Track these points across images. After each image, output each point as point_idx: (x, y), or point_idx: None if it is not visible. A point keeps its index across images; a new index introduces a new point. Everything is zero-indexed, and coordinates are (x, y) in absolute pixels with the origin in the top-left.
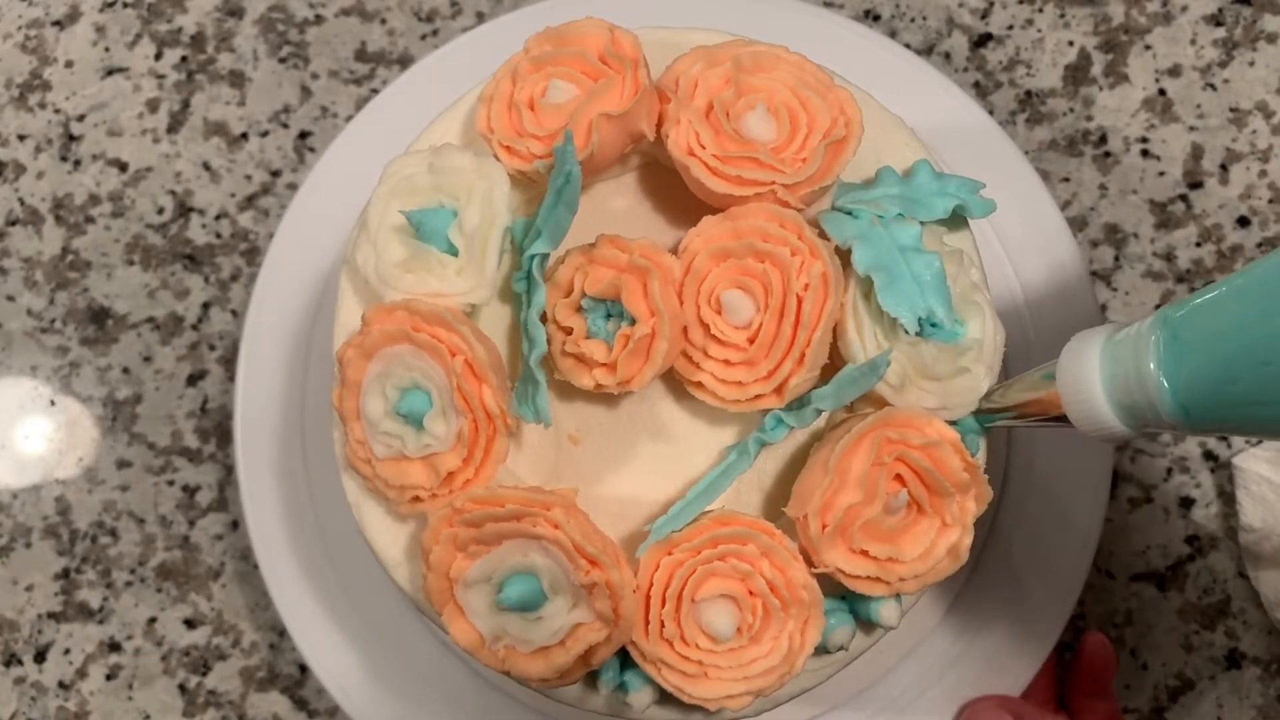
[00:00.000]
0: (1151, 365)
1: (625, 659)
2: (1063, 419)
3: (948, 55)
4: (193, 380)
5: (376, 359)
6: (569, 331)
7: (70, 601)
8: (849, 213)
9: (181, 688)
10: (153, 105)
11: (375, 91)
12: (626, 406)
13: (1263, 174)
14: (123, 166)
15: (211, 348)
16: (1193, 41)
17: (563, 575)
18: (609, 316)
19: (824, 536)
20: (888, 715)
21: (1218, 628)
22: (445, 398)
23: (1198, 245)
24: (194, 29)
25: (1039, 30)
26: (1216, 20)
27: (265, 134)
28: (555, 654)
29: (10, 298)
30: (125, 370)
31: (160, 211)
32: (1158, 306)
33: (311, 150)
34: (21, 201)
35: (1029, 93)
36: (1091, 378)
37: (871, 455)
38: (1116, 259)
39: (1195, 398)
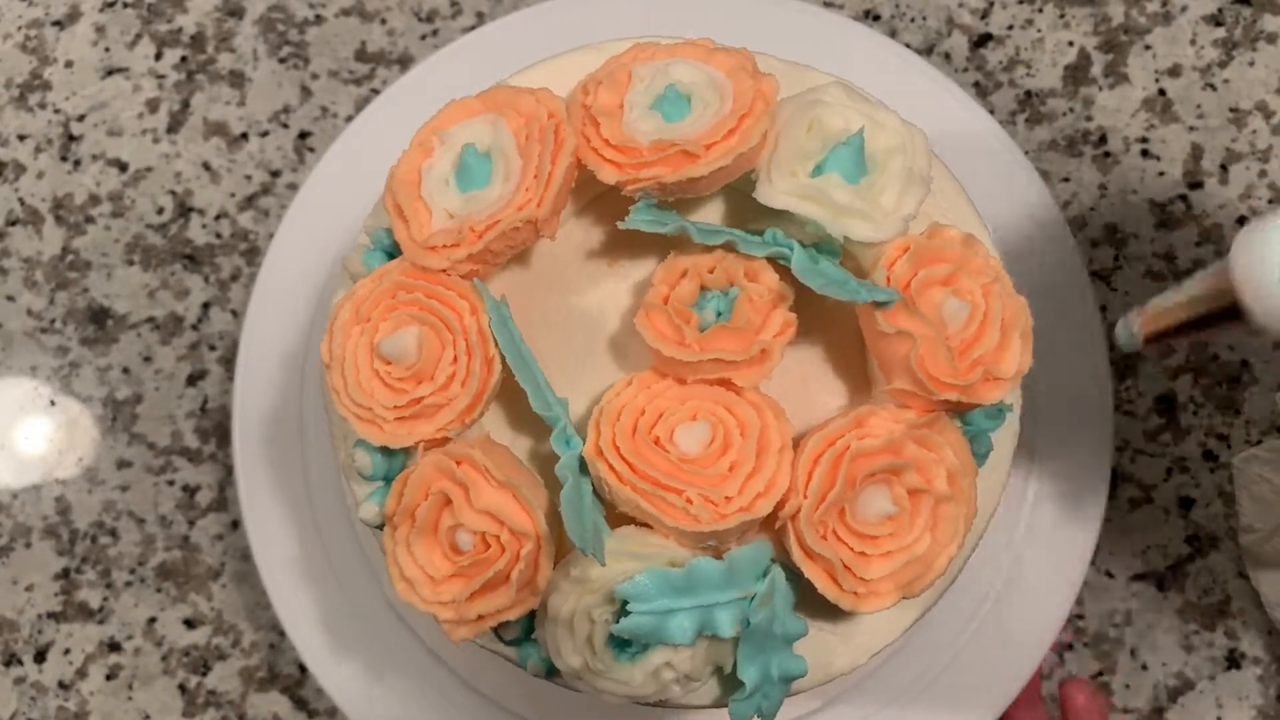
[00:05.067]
0: None
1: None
2: (1231, 316)
3: (948, 55)
4: (193, 380)
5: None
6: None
7: (70, 601)
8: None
9: (181, 688)
10: (153, 105)
11: (375, 92)
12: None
13: (1263, 174)
14: (123, 166)
15: (211, 348)
16: (1193, 41)
17: None
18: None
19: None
20: (888, 713)
21: (1218, 628)
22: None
23: (1198, 245)
24: (194, 29)
25: (1039, 30)
26: (1216, 20)
27: (265, 134)
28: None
29: (10, 298)
30: (125, 370)
31: (160, 211)
32: None
33: (311, 150)
34: (21, 201)
35: (1029, 93)
36: (1274, 258)
37: None
38: (1116, 259)
39: None
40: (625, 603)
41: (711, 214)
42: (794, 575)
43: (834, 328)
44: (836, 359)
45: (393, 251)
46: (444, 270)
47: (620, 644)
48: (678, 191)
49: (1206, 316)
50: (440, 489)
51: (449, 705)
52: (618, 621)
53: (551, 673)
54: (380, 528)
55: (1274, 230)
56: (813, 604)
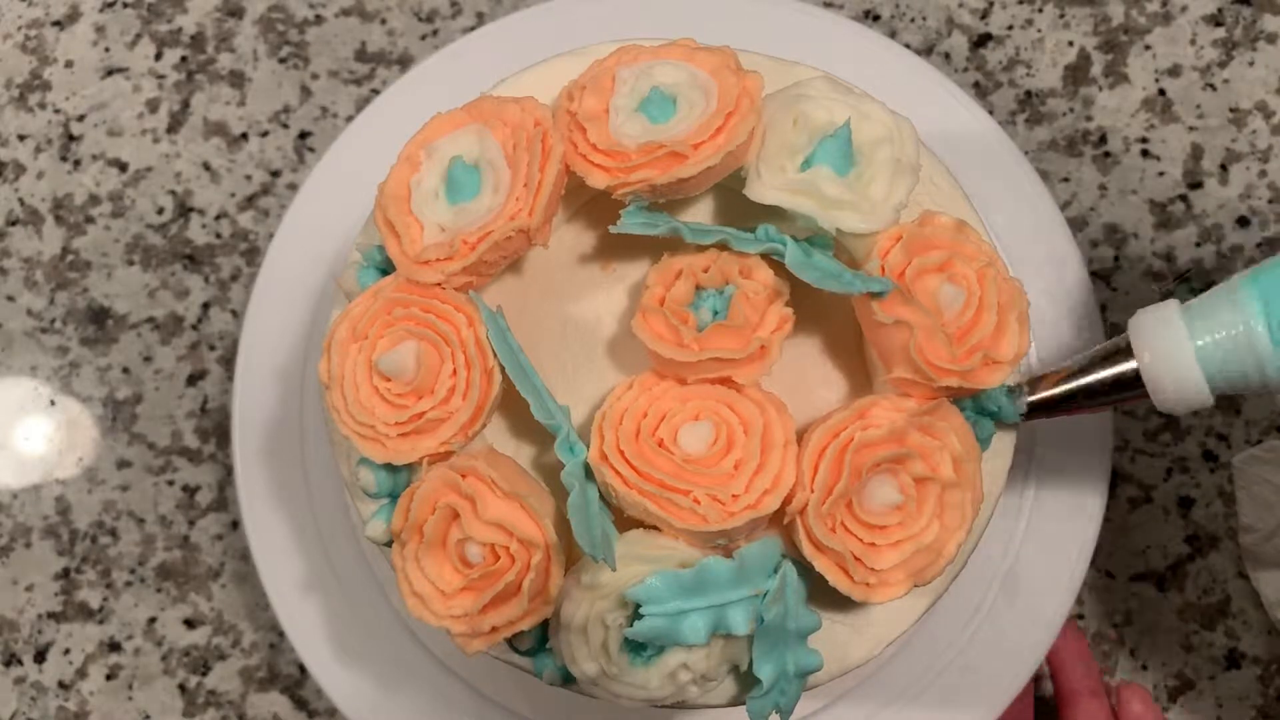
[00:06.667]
0: (1260, 326)
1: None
2: (1127, 394)
3: (947, 55)
4: (193, 380)
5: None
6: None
7: (70, 601)
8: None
9: (181, 688)
10: (153, 105)
11: (375, 92)
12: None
13: (1263, 174)
14: (123, 166)
15: (211, 348)
16: (1192, 41)
17: None
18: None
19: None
20: (888, 713)
21: (1218, 628)
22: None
23: (1198, 245)
24: (194, 29)
25: (1039, 30)
26: (1216, 20)
27: (265, 134)
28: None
29: (10, 298)
30: (125, 370)
31: (160, 211)
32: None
33: (311, 150)
34: (21, 201)
35: (1029, 93)
36: (1183, 345)
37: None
38: (1116, 259)
39: None
40: (638, 606)
41: (702, 213)
42: (805, 569)
43: (830, 320)
44: (835, 352)
45: (386, 268)
46: (439, 284)
47: (635, 648)
48: (668, 193)
49: (1094, 389)
50: (447, 503)
51: (446, 708)
52: (631, 625)
53: (568, 681)
54: (388, 545)
55: (1173, 315)
56: (825, 597)
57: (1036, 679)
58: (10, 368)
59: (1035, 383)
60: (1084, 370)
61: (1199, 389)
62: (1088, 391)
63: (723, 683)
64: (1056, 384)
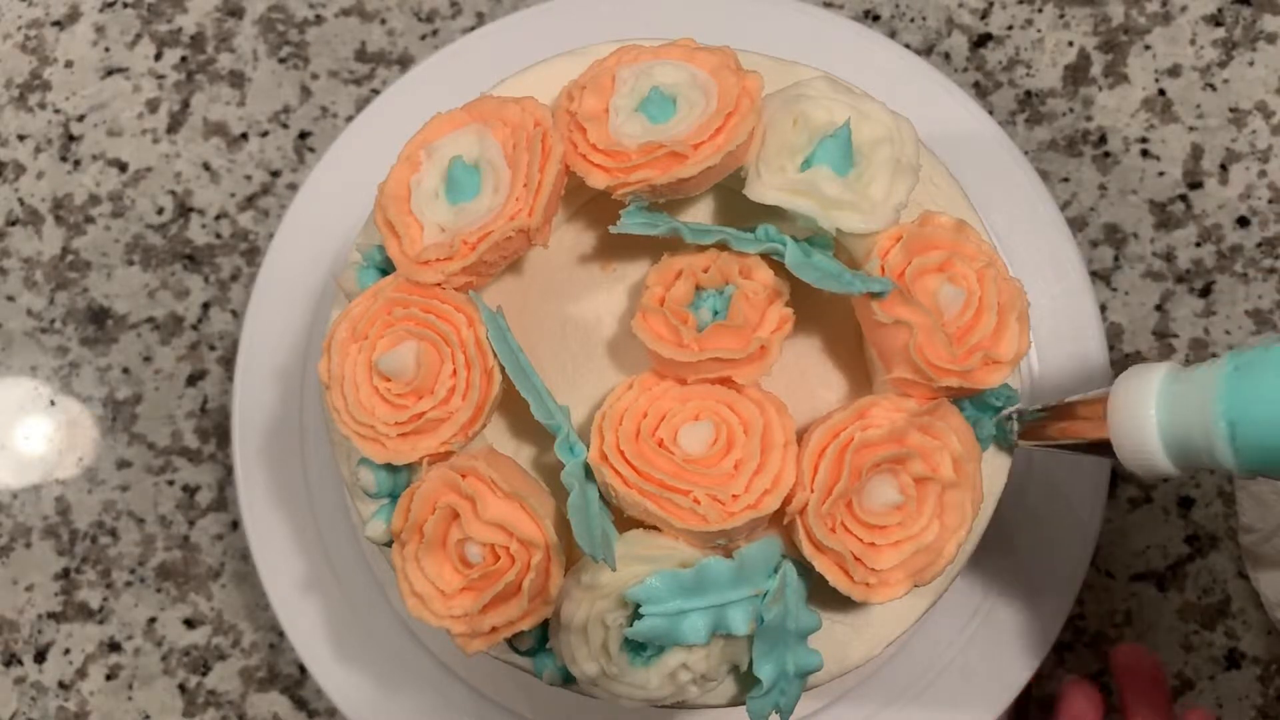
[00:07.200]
0: (1217, 412)
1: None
2: (1103, 448)
3: (947, 55)
4: (193, 380)
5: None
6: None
7: (70, 601)
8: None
9: (181, 688)
10: (153, 105)
11: (375, 92)
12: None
13: (1262, 174)
14: (123, 166)
15: (211, 348)
16: (1192, 41)
17: None
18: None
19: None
20: (888, 713)
21: (1218, 628)
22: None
23: (1198, 245)
24: (194, 29)
25: (1039, 30)
26: (1216, 20)
27: (265, 134)
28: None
29: (10, 298)
30: (125, 370)
31: (160, 211)
32: (1158, 307)
33: (311, 150)
34: (21, 201)
35: (1029, 93)
36: (1147, 414)
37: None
38: (1116, 259)
39: (1257, 448)
40: (638, 606)
41: (702, 213)
42: (805, 569)
43: (830, 320)
44: (834, 352)
45: (386, 268)
46: (438, 284)
47: (635, 648)
48: (668, 193)
49: (1077, 445)
50: (447, 503)
51: (446, 708)
52: (631, 625)
53: (568, 681)
54: (388, 545)
55: (1150, 384)
56: (825, 597)
57: (1036, 679)
58: (10, 368)
59: (1025, 420)
60: (1065, 425)
61: (1158, 459)
62: (1067, 445)
63: (723, 683)
64: (1040, 431)
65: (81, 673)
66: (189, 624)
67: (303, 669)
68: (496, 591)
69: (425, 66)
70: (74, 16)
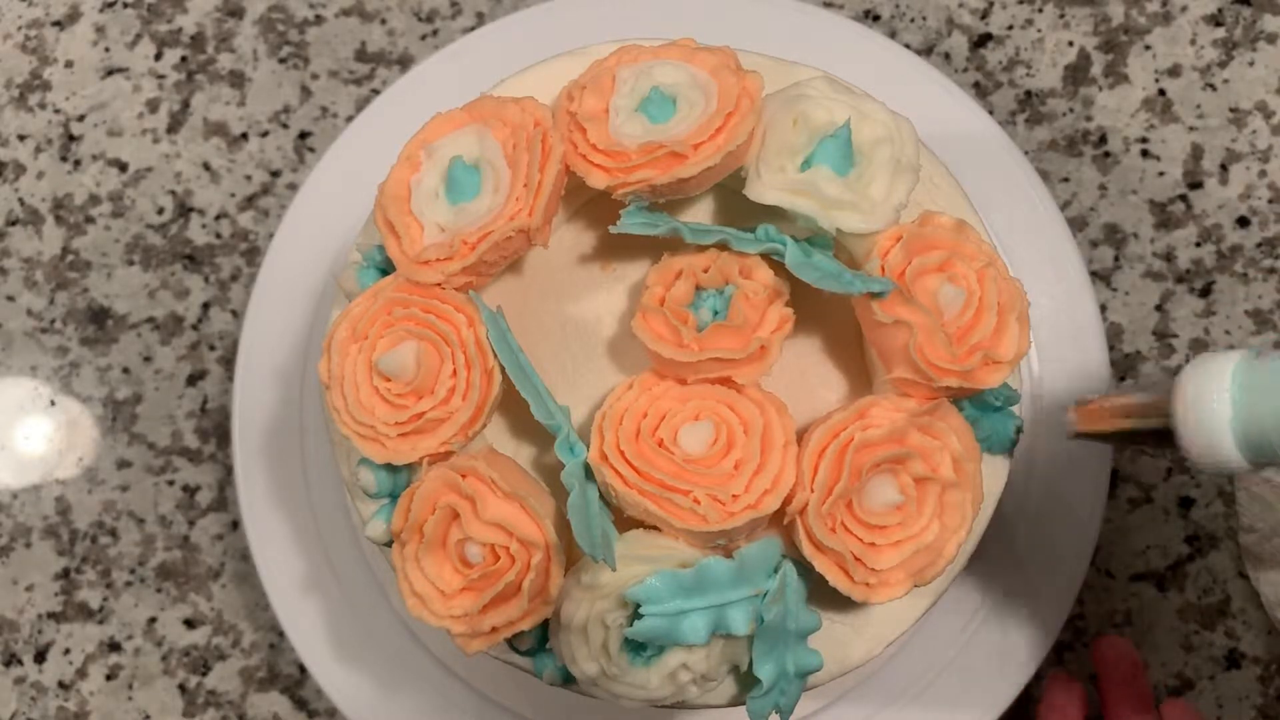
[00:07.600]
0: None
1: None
2: (1165, 442)
3: (947, 55)
4: (193, 380)
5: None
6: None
7: (70, 601)
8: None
9: (181, 688)
10: (153, 105)
11: (375, 92)
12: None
13: (1263, 174)
14: (123, 166)
15: (211, 348)
16: (1192, 41)
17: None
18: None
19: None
20: (888, 713)
21: (1218, 628)
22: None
23: (1198, 245)
24: (194, 29)
25: (1039, 30)
26: (1216, 20)
27: (265, 134)
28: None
29: (10, 298)
30: (125, 370)
31: (160, 211)
32: (1158, 307)
33: (311, 150)
34: (21, 201)
35: (1029, 93)
36: (1219, 405)
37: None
38: (1116, 259)
39: None
40: (638, 606)
41: (702, 213)
42: (805, 569)
43: (830, 321)
44: (834, 352)
45: (386, 268)
46: (438, 284)
47: (635, 648)
48: (668, 193)
49: (1140, 433)
50: (447, 503)
51: (457, 713)
52: (631, 625)
53: (568, 681)
54: (388, 545)
55: (1224, 371)
56: (825, 597)
57: (1036, 679)
58: (10, 368)
59: (1077, 410)
60: (1129, 413)
61: (1229, 452)
62: (1132, 438)
63: (723, 683)
64: (1101, 419)
65: (81, 673)
66: (189, 624)
67: (303, 669)
68: (496, 591)
69: (425, 66)
70: (74, 16)
